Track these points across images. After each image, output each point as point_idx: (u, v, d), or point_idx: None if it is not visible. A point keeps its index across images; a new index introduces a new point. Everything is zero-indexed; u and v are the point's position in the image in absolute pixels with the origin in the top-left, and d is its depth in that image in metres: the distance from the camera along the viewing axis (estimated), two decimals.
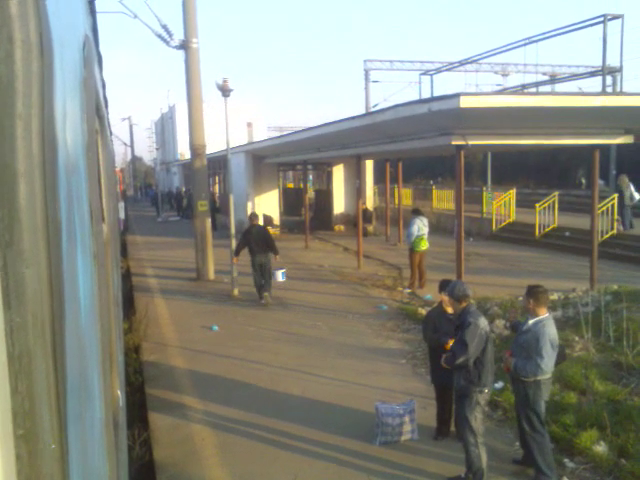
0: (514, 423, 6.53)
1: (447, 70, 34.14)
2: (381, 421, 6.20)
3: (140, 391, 8.23)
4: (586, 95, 9.60)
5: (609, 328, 8.32)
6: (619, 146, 31.71)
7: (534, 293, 5.44)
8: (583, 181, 46.75)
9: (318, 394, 7.62)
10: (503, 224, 22.34)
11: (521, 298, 11.84)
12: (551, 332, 5.29)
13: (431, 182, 42.91)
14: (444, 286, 6.25)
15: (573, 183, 46.85)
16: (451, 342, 5.96)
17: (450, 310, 6.26)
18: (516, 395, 5.55)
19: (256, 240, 12.50)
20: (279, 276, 13.54)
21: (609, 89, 25.45)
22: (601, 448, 5.65)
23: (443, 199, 27.48)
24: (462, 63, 32.77)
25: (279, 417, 6.94)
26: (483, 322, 5.40)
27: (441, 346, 6.16)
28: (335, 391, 7.71)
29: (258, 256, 12.49)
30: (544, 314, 5.40)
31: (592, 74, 31.26)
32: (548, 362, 5.20)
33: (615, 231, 17.70)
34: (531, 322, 5.36)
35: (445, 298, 6.20)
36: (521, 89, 26.42)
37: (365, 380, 8.08)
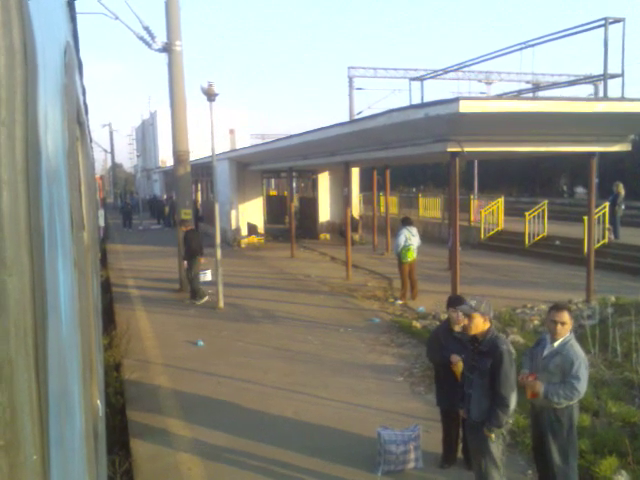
0: (524, 448, 6.11)
1: (431, 77, 33.91)
2: (384, 449, 5.73)
3: (121, 413, 7.68)
4: (589, 101, 9.28)
5: (616, 343, 7.94)
6: (602, 155, 31.76)
7: (569, 311, 4.96)
8: (565, 189, 46.98)
9: (312, 416, 7.13)
10: (491, 232, 22.04)
11: (519, 310, 11.52)
12: (582, 351, 4.87)
13: (414, 190, 42.72)
14: (453, 302, 5.80)
15: (556, 191, 47.04)
16: (459, 362, 5.52)
17: (457, 328, 5.83)
18: (541, 425, 5.00)
19: (197, 242, 13.76)
20: (209, 275, 15.23)
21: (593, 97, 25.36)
22: (623, 478, 5.23)
23: (429, 207, 27.14)
24: (447, 70, 32.55)
25: (271, 443, 6.44)
26: (509, 344, 4.90)
27: (447, 365, 5.74)
28: (330, 413, 7.24)
29: (198, 257, 13.76)
30: (567, 333, 4.95)
31: (572, 83, 31.31)
32: (584, 384, 4.74)
33: (606, 240, 17.48)
34: (557, 344, 4.88)
35: (453, 315, 5.77)
36: (517, 94, 26.31)
37: (361, 400, 7.61)
